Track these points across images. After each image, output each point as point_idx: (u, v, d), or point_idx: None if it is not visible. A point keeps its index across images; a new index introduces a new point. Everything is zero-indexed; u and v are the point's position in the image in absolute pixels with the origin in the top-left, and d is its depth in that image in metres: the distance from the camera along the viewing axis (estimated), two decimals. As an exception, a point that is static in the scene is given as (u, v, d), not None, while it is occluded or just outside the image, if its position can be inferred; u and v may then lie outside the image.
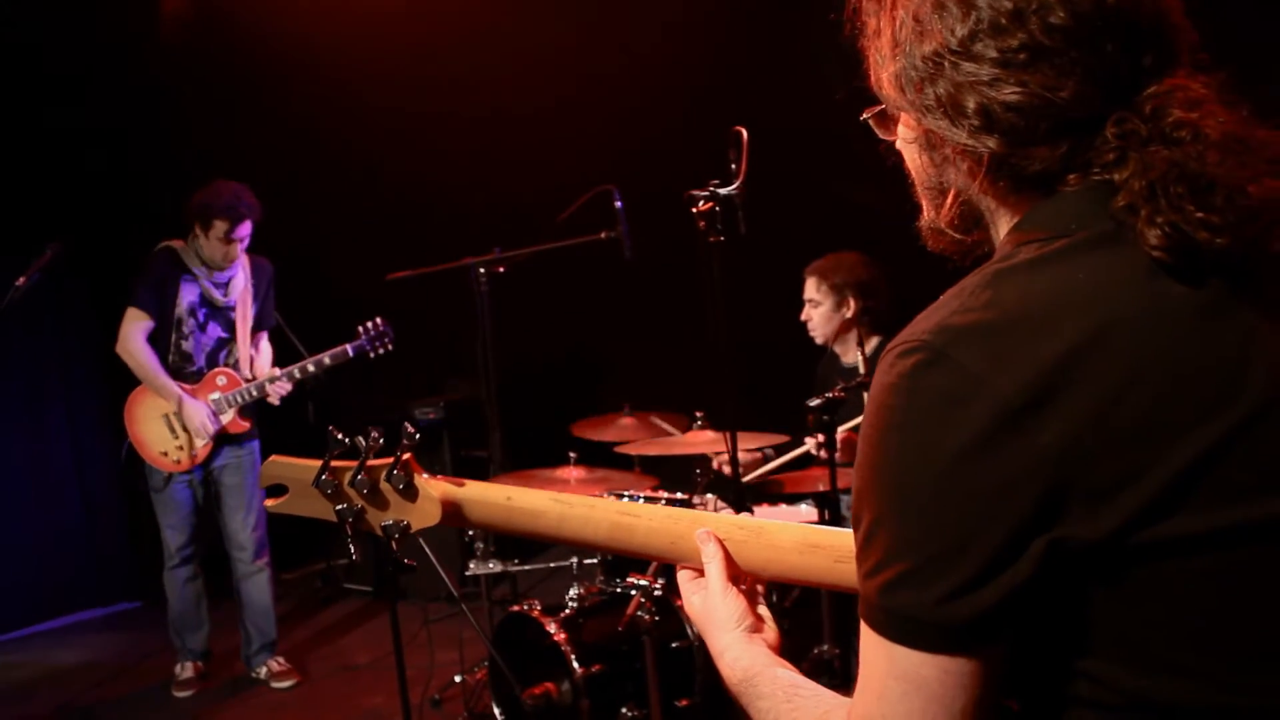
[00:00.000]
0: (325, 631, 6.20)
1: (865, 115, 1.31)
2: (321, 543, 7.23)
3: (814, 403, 3.60)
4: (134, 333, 4.93)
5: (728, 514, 1.49)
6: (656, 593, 3.70)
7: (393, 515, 1.54)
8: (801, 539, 1.41)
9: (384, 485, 1.53)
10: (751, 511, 3.89)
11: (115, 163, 6.65)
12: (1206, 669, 1.01)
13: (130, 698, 5.39)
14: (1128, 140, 1.06)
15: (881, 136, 1.30)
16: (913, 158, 1.23)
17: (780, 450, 4.48)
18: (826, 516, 4.05)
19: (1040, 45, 1.06)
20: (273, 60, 6.65)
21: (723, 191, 3.41)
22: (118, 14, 6.42)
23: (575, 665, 3.64)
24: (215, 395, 5.04)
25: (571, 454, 4.32)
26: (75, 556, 6.95)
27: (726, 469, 4.18)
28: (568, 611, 3.84)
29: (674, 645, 3.78)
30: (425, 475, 1.54)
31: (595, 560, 4.15)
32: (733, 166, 3.41)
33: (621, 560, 4.16)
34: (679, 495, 4.11)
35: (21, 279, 4.46)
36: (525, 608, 3.88)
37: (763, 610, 1.45)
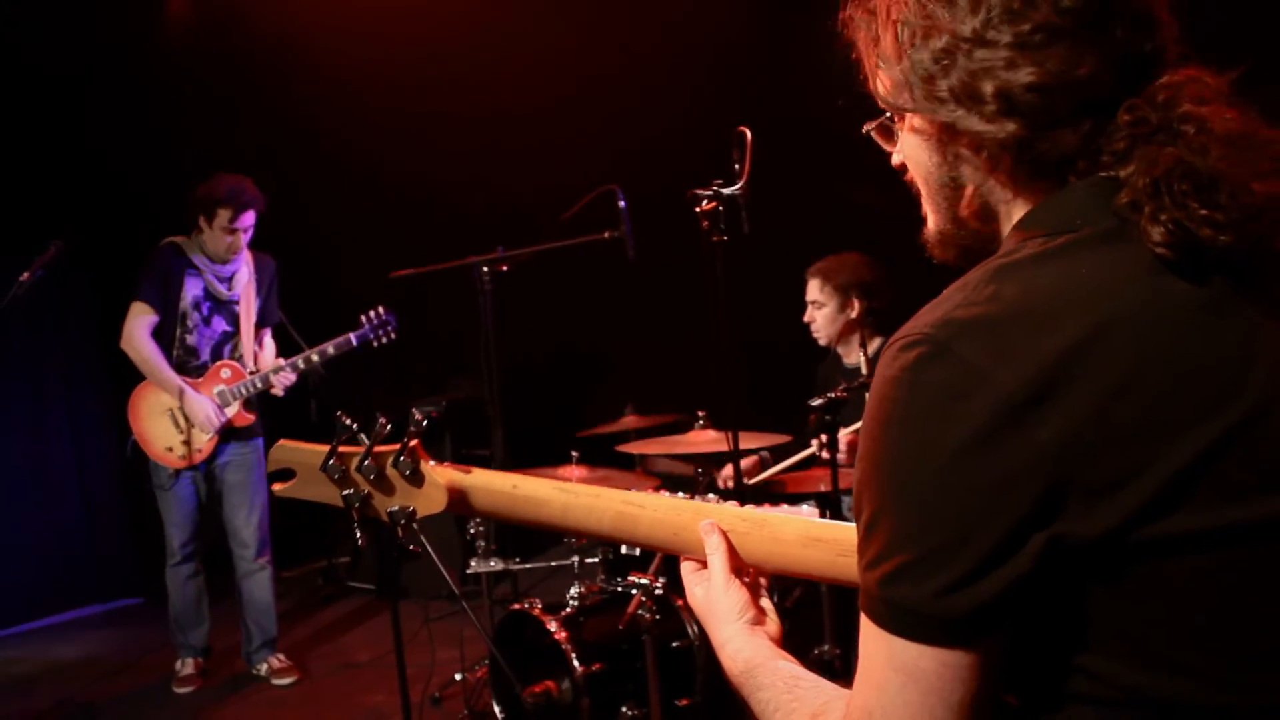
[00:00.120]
0: (326, 629, 6.20)
1: (867, 128, 1.31)
2: (322, 540, 7.24)
3: (816, 402, 3.60)
4: (138, 327, 4.95)
5: (732, 506, 1.49)
6: (657, 592, 3.70)
7: (399, 501, 1.55)
8: (804, 532, 1.42)
9: (390, 471, 1.54)
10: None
11: (118, 160, 6.66)
12: (1205, 666, 1.01)
13: (131, 694, 5.39)
14: (1137, 128, 1.06)
15: (885, 148, 1.31)
16: (921, 161, 1.23)
17: (781, 452, 4.48)
18: (828, 517, 4.04)
19: (1055, 26, 1.07)
20: (275, 58, 6.67)
21: (726, 191, 3.41)
22: (119, 13, 6.43)
23: (576, 664, 3.64)
24: (220, 388, 5.05)
25: (574, 453, 4.33)
26: (76, 552, 6.96)
27: (729, 484, 4.19)
28: (569, 610, 3.84)
29: (674, 644, 3.78)
30: (432, 462, 1.55)
31: (596, 559, 4.15)
32: (736, 166, 3.41)
33: (623, 559, 4.16)
34: (680, 495, 4.11)
35: (25, 275, 4.47)
36: (526, 606, 3.87)
37: (765, 603, 1.46)
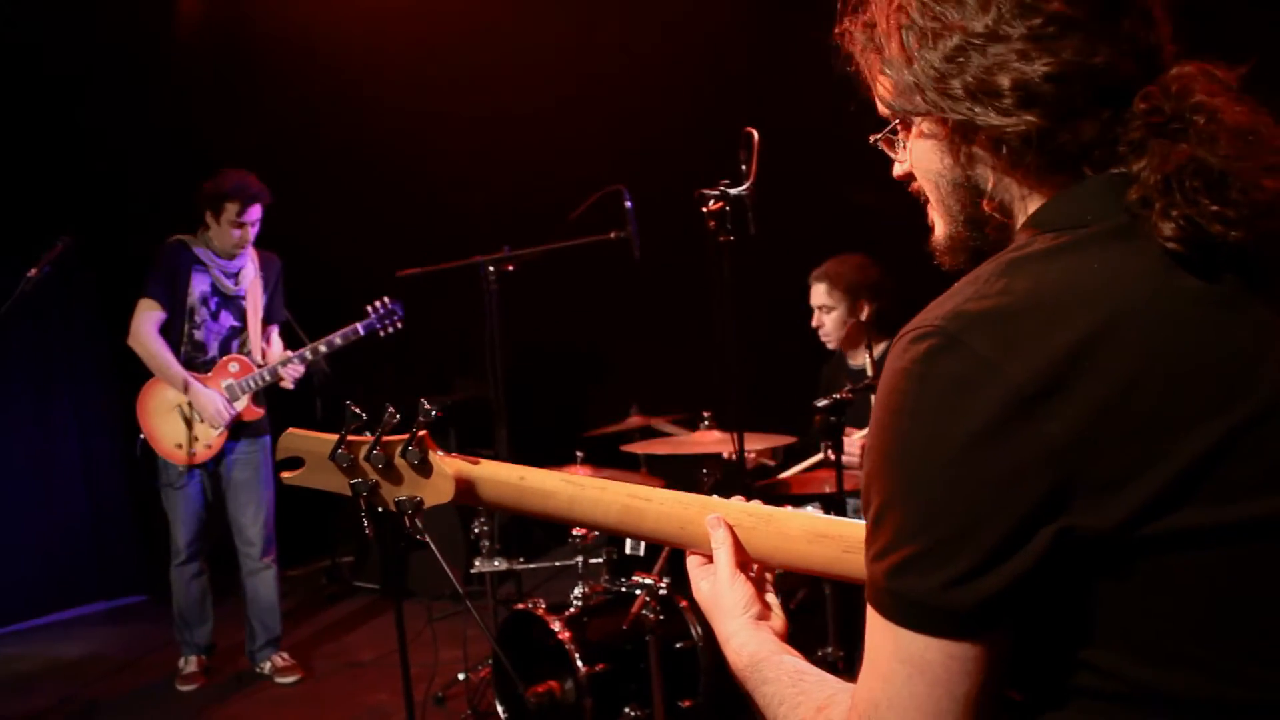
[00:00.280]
0: (330, 628, 6.20)
1: (874, 139, 1.32)
2: (327, 540, 7.25)
3: (822, 403, 3.60)
4: (145, 323, 4.97)
5: (738, 501, 1.49)
6: (661, 592, 3.70)
7: (407, 491, 1.55)
8: (810, 528, 1.42)
9: (399, 461, 1.54)
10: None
11: (125, 158, 6.68)
12: (1211, 661, 1.02)
13: (134, 692, 5.39)
14: (1152, 117, 1.07)
15: (893, 156, 1.31)
16: (932, 165, 1.23)
17: (785, 455, 4.49)
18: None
19: (1066, 17, 1.08)
20: (283, 56, 6.69)
21: (733, 191, 3.42)
22: (127, 11, 6.45)
23: (579, 664, 3.64)
24: (228, 382, 5.06)
25: (578, 453, 4.33)
26: (81, 550, 6.97)
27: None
28: (572, 610, 3.84)
29: (678, 645, 3.78)
30: (440, 452, 1.55)
31: (601, 559, 4.15)
32: (743, 167, 3.42)
33: (627, 559, 4.16)
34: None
35: (32, 271, 4.48)
36: (530, 606, 3.87)
37: (770, 598, 1.46)
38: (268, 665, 5.29)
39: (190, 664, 5.30)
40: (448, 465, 1.54)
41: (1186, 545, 0.99)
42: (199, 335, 5.09)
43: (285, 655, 5.35)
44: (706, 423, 4.36)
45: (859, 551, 1.30)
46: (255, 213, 5.03)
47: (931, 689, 1.04)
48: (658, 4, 5.93)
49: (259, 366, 5.11)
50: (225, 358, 5.10)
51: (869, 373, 4.08)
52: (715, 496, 1.52)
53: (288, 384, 5.11)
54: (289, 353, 5.11)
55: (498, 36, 6.37)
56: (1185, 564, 1.00)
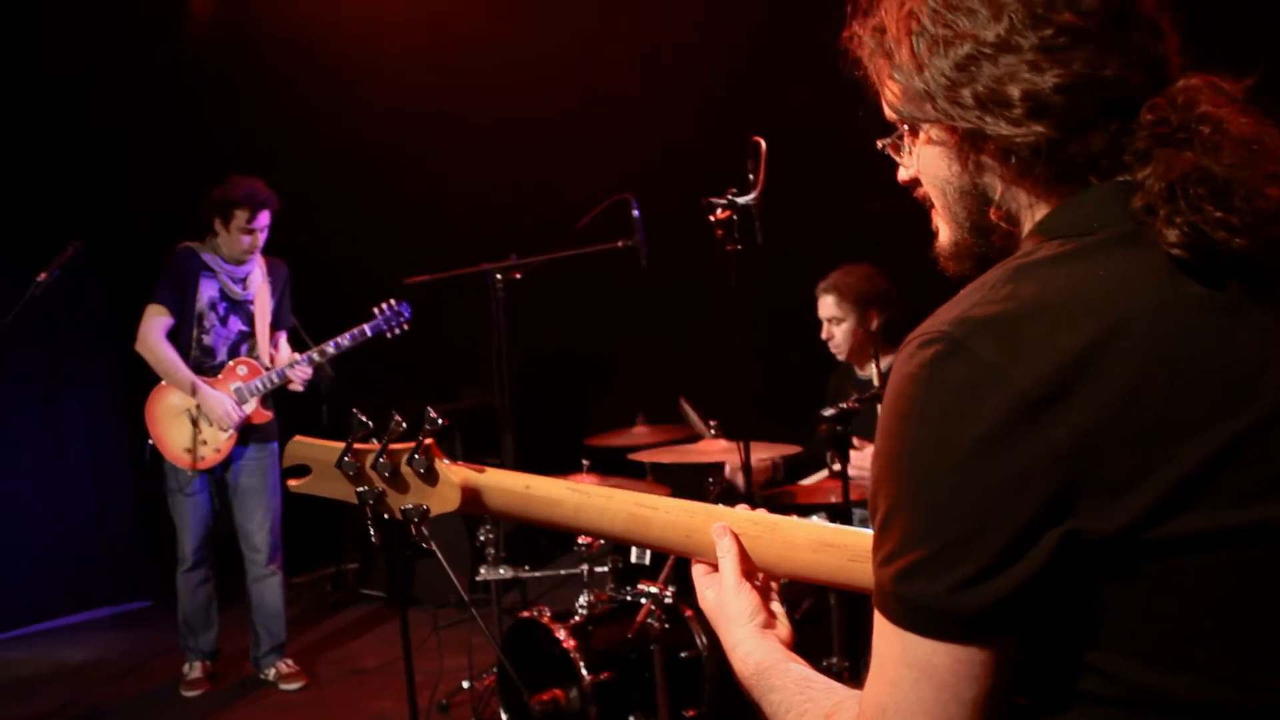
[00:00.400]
0: (334, 635, 6.21)
1: (881, 144, 1.32)
2: (332, 547, 7.25)
3: (828, 413, 3.59)
4: (153, 328, 4.99)
5: (743, 509, 1.49)
6: (667, 601, 3.70)
7: (413, 499, 1.55)
8: (816, 537, 1.42)
9: (405, 469, 1.54)
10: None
11: (136, 164, 6.70)
12: (1215, 665, 1.02)
13: (138, 697, 5.40)
14: (1159, 128, 1.07)
15: (899, 161, 1.31)
16: (939, 172, 1.23)
17: (794, 463, 4.48)
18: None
19: (1078, 29, 1.09)
20: (292, 62, 6.71)
21: (741, 201, 3.42)
22: (141, 16, 6.47)
23: (584, 672, 3.63)
24: (237, 385, 5.08)
25: (584, 461, 4.33)
26: (86, 554, 6.98)
27: (740, 476, 4.19)
28: (577, 619, 3.84)
29: (683, 654, 3.77)
30: (446, 461, 1.56)
31: (606, 568, 4.14)
32: (750, 176, 3.42)
33: (632, 568, 4.16)
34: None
35: (43, 275, 4.49)
36: (535, 614, 3.87)
37: (776, 606, 1.46)
38: (272, 672, 5.29)
39: (195, 670, 5.30)
40: (454, 473, 1.54)
41: (1191, 550, 1.00)
42: (208, 340, 5.11)
43: (290, 662, 5.36)
44: (713, 432, 4.35)
45: (865, 560, 1.30)
46: (264, 219, 5.05)
47: (939, 693, 1.04)
48: (666, 13, 5.94)
49: (267, 370, 5.12)
50: (234, 361, 5.12)
51: (875, 383, 4.07)
52: (721, 505, 1.52)
53: (296, 386, 5.13)
54: (296, 355, 5.12)
55: (507, 44, 6.38)
56: (1189, 568, 1.00)
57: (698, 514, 1.48)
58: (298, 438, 1.58)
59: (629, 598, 3.98)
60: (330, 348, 5.05)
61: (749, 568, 1.44)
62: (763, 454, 4.25)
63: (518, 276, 4.61)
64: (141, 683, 5.59)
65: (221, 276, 5.11)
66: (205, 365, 5.09)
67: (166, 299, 5.03)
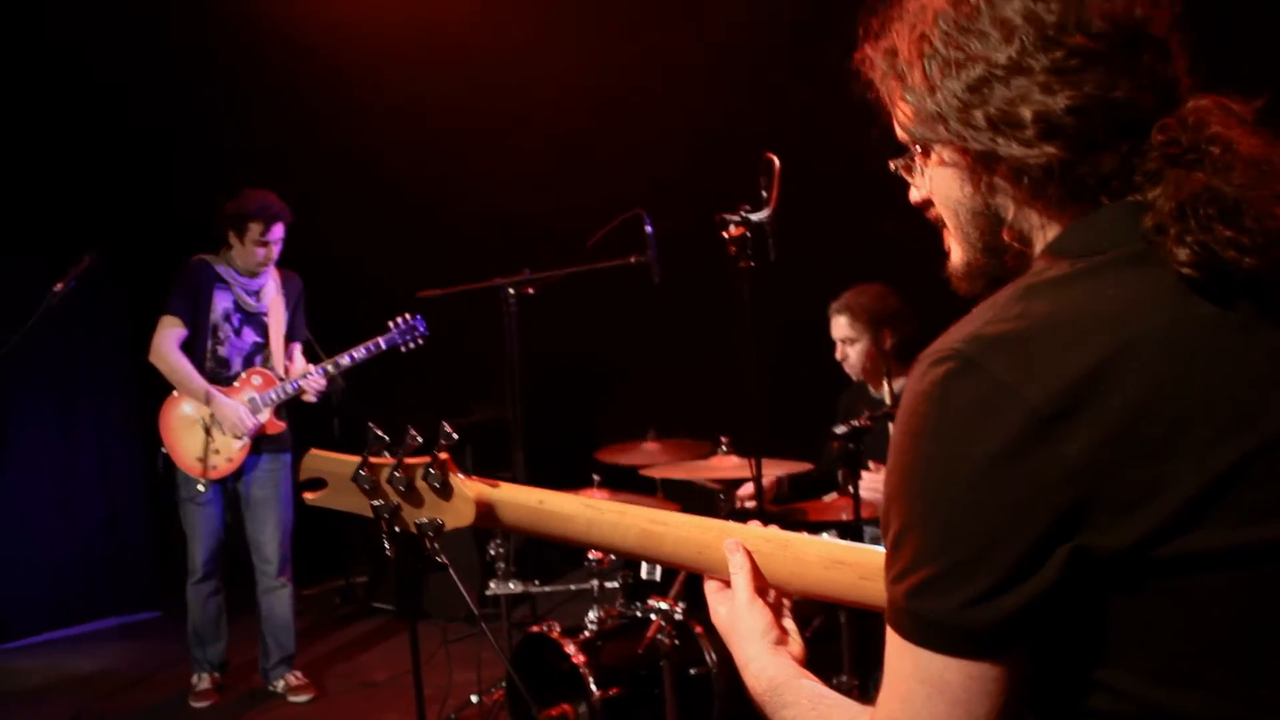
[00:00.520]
0: (344, 648, 6.21)
1: (894, 165, 1.33)
2: (341, 559, 7.26)
3: (840, 430, 3.59)
4: (166, 339, 5.02)
5: (755, 526, 1.50)
6: (677, 617, 3.70)
7: (428, 513, 1.56)
8: (827, 554, 1.43)
9: (420, 483, 1.55)
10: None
11: (156, 177, 6.75)
12: (1225, 683, 1.02)
13: (147, 708, 5.40)
14: (1169, 148, 1.08)
15: (911, 182, 1.32)
16: (951, 193, 1.24)
17: (804, 482, 4.47)
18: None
19: (1089, 51, 1.10)
20: (308, 77, 6.73)
21: (754, 217, 3.43)
22: (166, 31, 6.52)
23: (593, 688, 3.63)
24: (251, 394, 5.10)
25: (595, 476, 4.33)
26: (97, 564, 7.00)
27: (750, 503, 4.19)
28: (587, 634, 3.83)
29: (693, 671, 3.77)
30: (460, 475, 1.56)
31: (616, 583, 4.14)
32: (763, 193, 3.43)
33: (642, 584, 4.16)
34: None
35: (59, 285, 4.51)
36: (544, 629, 3.87)
37: (788, 623, 1.46)
38: (281, 684, 5.30)
39: (203, 681, 5.31)
40: (468, 488, 1.55)
41: (1200, 567, 1.00)
42: (222, 351, 5.14)
43: (299, 674, 5.36)
44: (724, 448, 4.35)
45: (876, 578, 1.30)
46: (278, 232, 5.09)
47: (951, 709, 1.04)
48: (681, 30, 5.96)
49: (281, 380, 5.14)
50: (248, 371, 5.14)
51: (888, 401, 4.06)
52: (733, 521, 1.52)
53: (309, 397, 5.15)
54: (310, 366, 5.14)
55: (522, 60, 6.41)
56: (1199, 586, 1.01)
57: (710, 530, 1.49)
58: (314, 451, 1.59)
59: (639, 613, 3.97)
60: (344, 360, 5.07)
61: (761, 584, 1.45)
62: (774, 471, 4.25)
63: (530, 291, 4.62)
64: (150, 693, 5.59)
65: (235, 289, 5.14)
66: (220, 376, 5.12)
67: (180, 310, 5.06)
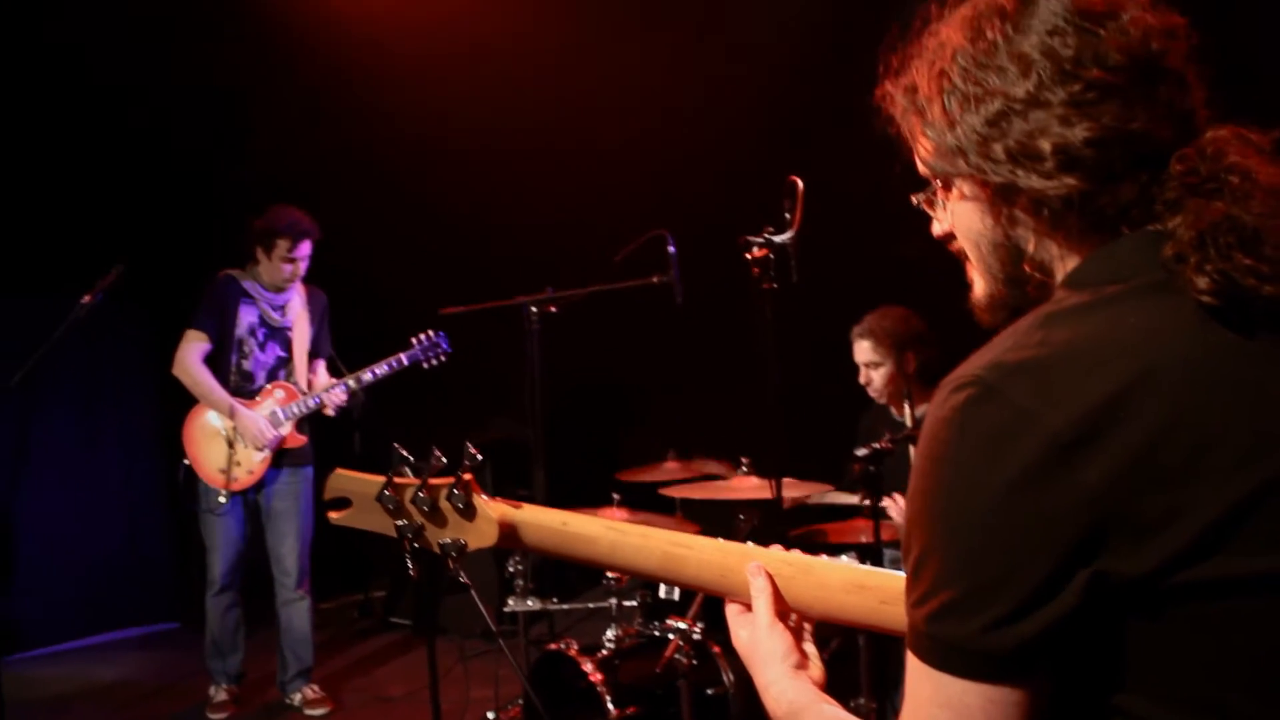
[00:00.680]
0: (361, 662, 6.22)
1: (916, 200, 1.34)
2: (359, 574, 7.27)
3: (861, 453, 3.59)
4: (189, 352, 5.06)
5: (777, 550, 1.50)
6: (695, 637, 3.69)
7: (451, 534, 1.57)
8: (849, 579, 1.43)
9: (444, 504, 1.56)
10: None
11: (186, 192, 6.81)
12: (1243, 710, 1.02)
13: (165, 718, 5.43)
14: (1188, 178, 1.09)
15: (934, 216, 1.33)
16: (973, 226, 1.25)
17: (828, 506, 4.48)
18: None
19: (1106, 84, 1.11)
20: (334, 94, 6.79)
21: (777, 239, 3.43)
22: (193, 53, 6.58)
23: (610, 706, 3.62)
24: (274, 408, 5.13)
25: (615, 495, 4.33)
26: (118, 575, 7.04)
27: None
28: (605, 652, 3.83)
29: (710, 691, 3.76)
30: (484, 496, 1.57)
31: (635, 602, 4.14)
32: (787, 215, 3.43)
33: (661, 603, 4.16)
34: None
35: (86, 297, 4.55)
36: (562, 647, 3.87)
37: (808, 647, 1.46)
38: (298, 697, 5.31)
39: (220, 693, 5.32)
40: (492, 509, 1.56)
41: (1219, 594, 1.00)
42: (247, 365, 5.18)
43: (316, 687, 5.37)
44: (745, 468, 4.35)
45: (897, 603, 1.31)
46: (305, 249, 5.13)
47: None
48: (706, 53, 5.98)
49: (304, 395, 5.17)
50: (272, 384, 5.18)
51: (909, 424, 4.06)
52: (751, 544, 1.53)
53: (330, 411, 5.17)
54: (332, 380, 5.17)
55: (548, 80, 6.44)
56: (1217, 612, 1.01)
57: (732, 554, 1.49)
58: (339, 470, 1.60)
59: (657, 633, 3.97)
60: (367, 375, 5.10)
61: (782, 608, 1.45)
62: (794, 492, 4.24)
63: (553, 310, 4.63)
64: (168, 704, 5.62)
65: (261, 304, 5.18)
66: (244, 389, 5.16)
67: (205, 325, 5.10)
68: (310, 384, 5.30)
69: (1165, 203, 1.10)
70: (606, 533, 1.53)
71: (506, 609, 4.65)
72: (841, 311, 4.52)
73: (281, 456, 5.18)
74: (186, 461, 5.11)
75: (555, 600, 4.69)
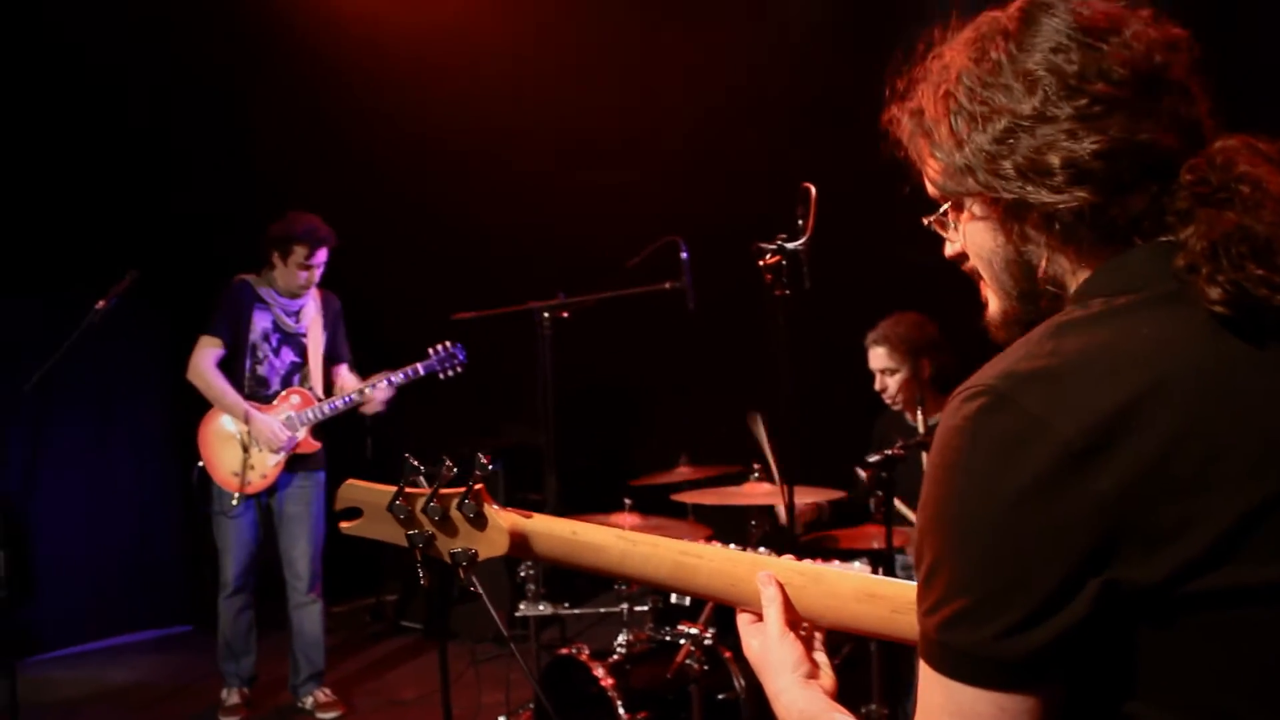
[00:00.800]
0: (373, 666, 6.23)
1: (927, 221, 1.35)
2: (372, 578, 7.28)
3: (873, 459, 3.59)
4: (204, 358, 5.08)
5: (788, 559, 1.50)
6: (706, 642, 3.69)
7: (461, 543, 1.57)
8: (860, 588, 1.43)
9: (455, 513, 1.56)
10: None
11: (201, 203, 6.83)
12: (1254, 717, 1.02)
13: (177, 721, 5.46)
14: (1199, 188, 1.10)
15: (945, 237, 1.34)
16: (984, 244, 1.25)
17: (837, 512, 4.47)
18: (880, 574, 4.01)
19: (1111, 97, 1.12)
20: (347, 101, 6.82)
21: (790, 246, 3.44)
22: (213, 58, 6.61)
23: (621, 711, 3.63)
24: (289, 413, 5.15)
25: (627, 500, 4.33)
26: (132, 578, 7.06)
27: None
28: (616, 657, 3.83)
29: (721, 696, 3.76)
30: (495, 506, 1.58)
31: (646, 607, 4.14)
32: (800, 221, 3.44)
33: (672, 608, 4.15)
34: (732, 547, 4.09)
35: (101, 303, 4.57)
36: (573, 651, 3.87)
37: (819, 656, 1.46)
38: (310, 700, 5.32)
39: (233, 695, 5.33)
40: (502, 519, 1.56)
41: (1230, 603, 1.00)
42: (261, 371, 5.19)
43: (328, 691, 5.38)
44: (756, 474, 4.35)
45: (909, 612, 1.31)
46: (322, 256, 5.15)
47: None
48: (720, 58, 5.98)
49: (319, 400, 5.19)
50: (287, 390, 5.20)
51: (921, 430, 4.05)
52: (764, 550, 1.53)
53: (377, 407, 5.21)
54: (372, 377, 5.16)
55: (560, 86, 6.45)
56: (1228, 621, 1.01)
57: (742, 563, 1.49)
58: (350, 481, 1.61)
59: (668, 638, 3.97)
60: (383, 384, 5.11)
61: (793, 617, 1.45)
62: (807, 498, 4.24)
63: (565, 315, 4.63)
64: (180, 707, 5.63)
65: (275, 309, 5.20)
66: (259, 394, 5.18)
67: (220, 330, 5.13)
68: (338, 388, 5.33)
69: (1176, 213, 1.11)
70: (616, 542, 1.54)
71: (518, 613, 4.65)
72: (854, 318, 4.52)
73: (294, 461, 5.20)
74: (201, 463, 5.13)
75: (567, 605, 4.70)
